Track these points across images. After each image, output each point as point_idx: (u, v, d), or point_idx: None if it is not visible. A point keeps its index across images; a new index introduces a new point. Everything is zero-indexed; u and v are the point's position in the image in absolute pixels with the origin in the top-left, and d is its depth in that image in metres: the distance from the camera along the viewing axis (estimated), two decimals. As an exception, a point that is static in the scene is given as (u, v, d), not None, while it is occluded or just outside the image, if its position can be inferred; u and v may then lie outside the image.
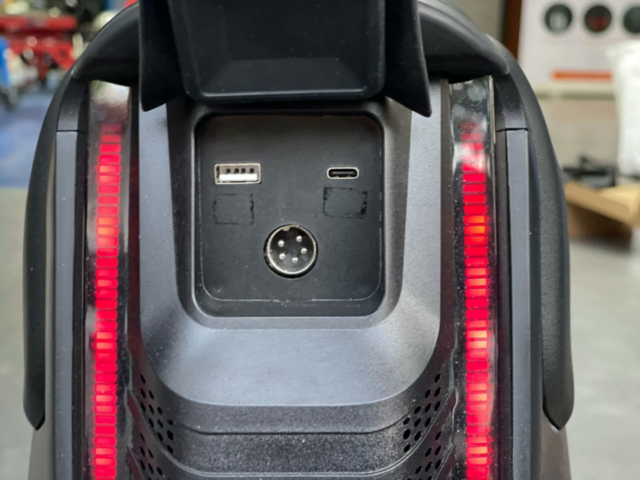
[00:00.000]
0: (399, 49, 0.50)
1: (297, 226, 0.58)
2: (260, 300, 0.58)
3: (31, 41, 8.86)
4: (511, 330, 0.57)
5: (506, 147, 0.59)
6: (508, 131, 0.59)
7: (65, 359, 0.58)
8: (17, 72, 8.28)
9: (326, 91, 0.51)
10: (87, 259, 0.59)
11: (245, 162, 0.57)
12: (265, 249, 0.58)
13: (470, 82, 0.59)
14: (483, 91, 0.59)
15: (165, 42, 0.50)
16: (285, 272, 0.58)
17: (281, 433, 0.54)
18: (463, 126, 0.59)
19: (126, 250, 0.58)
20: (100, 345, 0.59)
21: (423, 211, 0.56)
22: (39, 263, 0.62)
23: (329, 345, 0.55)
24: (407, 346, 0.55)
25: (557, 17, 9.98)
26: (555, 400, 0.64)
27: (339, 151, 0.57)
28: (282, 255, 0.58)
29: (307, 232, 0.58)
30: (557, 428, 0.66)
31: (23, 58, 8.74)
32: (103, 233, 0.59)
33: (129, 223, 0.58)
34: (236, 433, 0.54)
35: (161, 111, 0.56)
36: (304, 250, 0.58)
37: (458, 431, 0.58)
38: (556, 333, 0.63)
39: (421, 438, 0.55)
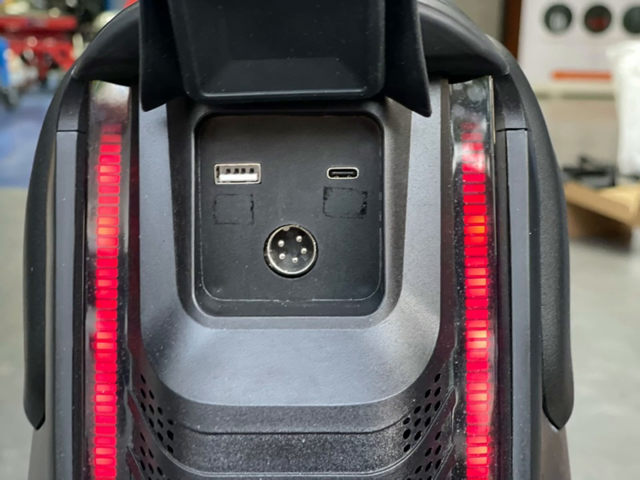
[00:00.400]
0: (398, 48, 0.50)
1: (297, 226, 0.58)
2: (260, 300, 0.58)
3: (31, 41, 8.86)
4: (510, 330, 0.57)
5: (506, 147, 0.59)
6: (508, 131, 0.59)
7: (65, 358, 0.58)
8: (17, 72, 8.28)
9: (326, 91, 0.51)
10: (87, 258, 0.59)
11: (244, 162, 0.57)
12: (265, 248, 0.58)
13: (470, 82, 0.59)
14: (482, 91, 0.59)
15: (165, 42, 0.50)
16: (285, 272, 0.58)
17: (281, 433, 0.54)
18: (462, 126, 0.59)
19: (126, 250, 0.58)
20: (100, 345, 0.59)
21: (423, 211, 0.56)
22: (39, 263, 0.62)
23: (329, 345, 0.55)
24: (407, 346, 0.55)
25: (557, 17, 9.98)
26: (554, 400, 0.64)
27: (339, 151, 0.57)
28: (282, 255, 0.58)
29: (307, 232, 0.58)
30: (557, 428, 0.66)
31: (23, 58, 8.75)
32: (103, 233, 0.59)
33: (129, 223, 0.58)
34: (236, 433, 0.54)
35: (161, 110, 0.56)
36: (304, 250, 0.58)
37: (458, 430, 0.58)
38: (556, 333, 0.63)
39: (420, 438, 0.56)
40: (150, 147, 0.57)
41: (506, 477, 0.58)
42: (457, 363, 0.58)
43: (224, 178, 0.58)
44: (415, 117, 0.57)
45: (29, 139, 6.24)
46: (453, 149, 0.58)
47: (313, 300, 0.58)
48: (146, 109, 0.54)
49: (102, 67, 0.57)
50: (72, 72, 0.59)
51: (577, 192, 3.79)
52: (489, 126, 0.59)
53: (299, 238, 0.58)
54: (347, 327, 0.55)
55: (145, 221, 0.56)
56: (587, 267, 3.47)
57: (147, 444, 0.57)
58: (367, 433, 0.54)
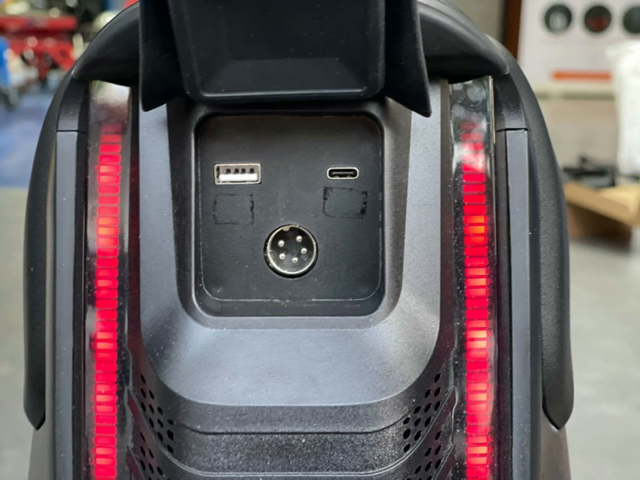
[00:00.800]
0: (399, 49, 0.50)
1: (297, 226, 0.58)
2: (260, 300, 0.58)
3: (31, 41, 8.86)
4: (510, 330, 0.57)
5: (506, 147, 0.59)
6: (508, 131, 0.59)
7: (65, 358, 0.58)
8: (17, 72, 8.28)
9: (326, 91, 0.51)
10: (87, 258, 0.59)
11: (244, 162, 0.58)
12: (265, 248, 0.58)
13: (470, 82, 0.59)
14: (482, 91, 0.59)
15: (165, 42, 0.50)
16: (285, 272, 0.58)
17: (281, 433, 0.54)
18: (462, 126, 0.59)
19: (126, 250, 0.58)
20: (100, 345, 0.59)
21: (423, 211, 0.56)
22: (39, 262, 0.62)
23: (329, 345, 0.55)
24: (407, 346, 0.55)
25: (557, 17, 9.98)
26: (554, 400, 0.64)
27: (339, 151, 0.57)
28: (282, 255, 0.58)
29: (307, 232, 0.58)
30: (557, 428, 0.66)
31: (23, 58, 8.75)
32: (103, 233, 0.59)
33: (129, 222, 0.58)
34: (236, 433, 0.54)
35: (161, 111, 0.56)
36: (304, 250, 0.58)
37: (458, 430, 0.58)
38: (556, 333, 0.63)
39: (420, 438, 0.56)
40: (150, 147, 0.57)
41: (506, 477, 0.58)
42: (457, 363, 0.58)
43: (224, 178, 0.58)
44: (415, 116, 0.57)
45: (29, 138, 6.24)
46: (452, 149, 0.59)
47: (313, 300, 0.58)
48: (146, 109, 0.54)
49: (102, 67, 0.57)
50: (72, 72, 0.59)
51: (577, 192, 3.79)
52: (488, 126, 0.59)
53: (298, 238, 0.58)
54: (347, 327, 0.55)
55: (145, 221, 0.56)
56: (587, 267, 3.47)
57: (147, 444, 0.57)
58: (367, 433, 0.54)
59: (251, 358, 0.54)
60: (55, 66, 9.00)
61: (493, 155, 0.59)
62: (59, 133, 0.59)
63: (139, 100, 0.54)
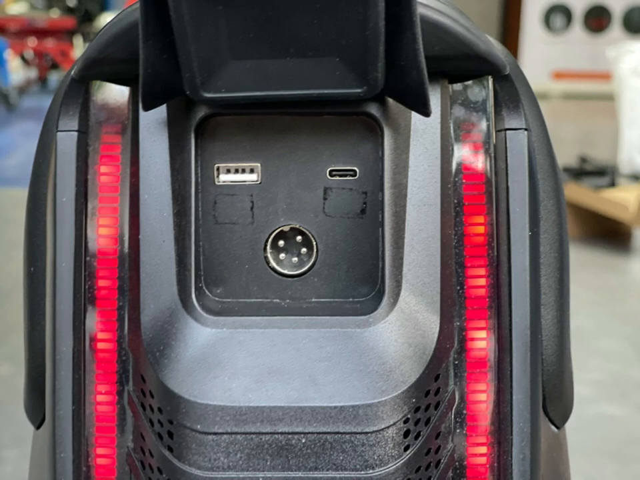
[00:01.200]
0: (399, 49, 0.50)
1: (297, 226, 0.58)
2: (260, 300, 0.58)
3: (32, 41, 8.86)
4: (510, 330, 0.57)
5: (506, 147, 0.59)
6: (508, 131, 0.59)
7: (65, 358, 0.58)
8: (17, 72, 8.28)
9: (326, 91, 0.51)
10: (87, 258, 0.59)
11: (244, 162, 0.58)
12: (265, 248, 0.58)
13: (470, 82, 0.59)
14: (482, 91, 0.59)
15: (165, 42, 0.50)
16: (285, 272, 0.58)
17: (281, 433, 0.54)
18: (462, 126, 0.59)
19: (126, 250, 0.58)
20: (100, 345, 0.59)
21: (423, 211, 0.56)
22: (39, 262, 0.62)
23: (329, 345, 0.55)
24: (407, 346, 0.55)
25: (557, 17, 9.98)
26: (554, 400, 0.64)
27: (339, 151, 0.57)
28: (282, 255, 0.58)
29: (307, 232, 0.58)
30: (557, 428, 0.66)
31: (23, 58, 8.75)
32: (103, 233, 0.59)
33: (129, 222, 0.58)
34: (236, 433, 0.54)
35: (161, 111, 0.56)
36: (304, 250, 0.58)
37: (458, 430, 0.58)
38: (556, 333, 0.63)
39: (420, 438, 0.56)
40: (150, 147, 0.57)
41: (506, 477, 0.58)
42: (457, 362, 0.58)
43: (224, 178, 0.58)
44: (415, 116, 0.57)
45: (29, 138, 6.24)
46: (452, 149, 0.59)
47: (313, 300, 0.58)
48: (146, 109, 0.54)
49: (102, 67, 0.57)
50: (72, 72, 0.59)
51: (577, 192, 3.79)
52: (488, 126, 0.59)
53: (299, 238, 0.58)
54: (347, 326, 0.55)
55: (145, 221, 0.56)
56: (587, 267, 3.47)
57: (147, 444, 0.57)
58: (367, 433, 0.54)
59: (251, 358, 0.54)
60: (55, 66, 9.00)
61: (492, 155, 0.59)
62: (58, 133, 0.59)
63: (139, 100, 0.54)
